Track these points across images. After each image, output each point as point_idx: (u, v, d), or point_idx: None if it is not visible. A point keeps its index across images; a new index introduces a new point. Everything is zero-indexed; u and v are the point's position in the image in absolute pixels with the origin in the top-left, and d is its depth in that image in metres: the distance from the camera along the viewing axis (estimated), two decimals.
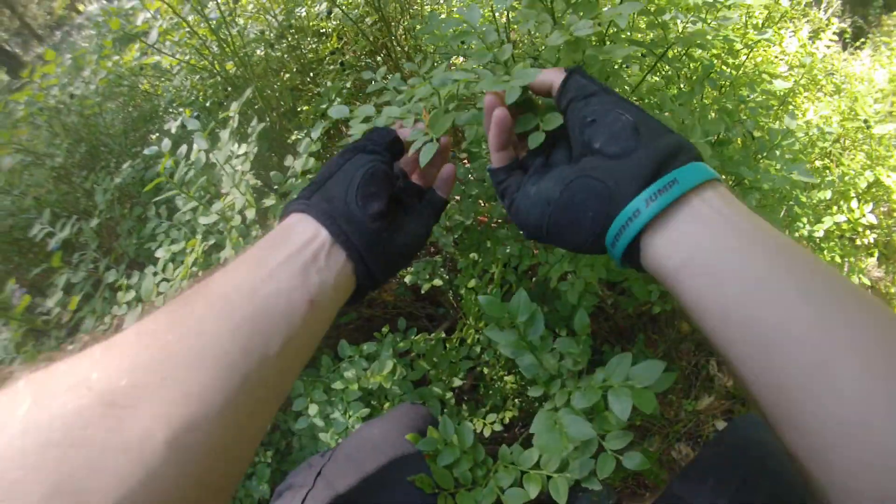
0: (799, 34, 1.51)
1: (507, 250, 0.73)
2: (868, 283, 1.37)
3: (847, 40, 2.16)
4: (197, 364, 0.27)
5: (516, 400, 0.82)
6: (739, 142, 0.84)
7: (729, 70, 0.86)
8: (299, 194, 0.41)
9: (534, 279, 0.84)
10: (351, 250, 0.37)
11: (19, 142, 1.04)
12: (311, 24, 1.17)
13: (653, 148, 0.33)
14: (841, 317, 0.26)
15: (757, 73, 0.99)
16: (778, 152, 0.85)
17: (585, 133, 0.36)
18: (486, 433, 0.76)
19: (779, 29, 1.58)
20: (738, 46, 0.88)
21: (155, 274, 0.77)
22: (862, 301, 0.26)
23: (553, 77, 0.40)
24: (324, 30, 1.18)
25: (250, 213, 0.72)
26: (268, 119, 0.99)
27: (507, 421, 0.79)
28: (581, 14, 0.54)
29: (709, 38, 0.66)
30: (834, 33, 1.83)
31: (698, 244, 0.31)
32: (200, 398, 0.26)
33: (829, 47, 1.79)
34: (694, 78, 0.76)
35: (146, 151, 0.88)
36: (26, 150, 1.00)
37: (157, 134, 1.09)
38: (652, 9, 0.64)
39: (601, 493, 1.15)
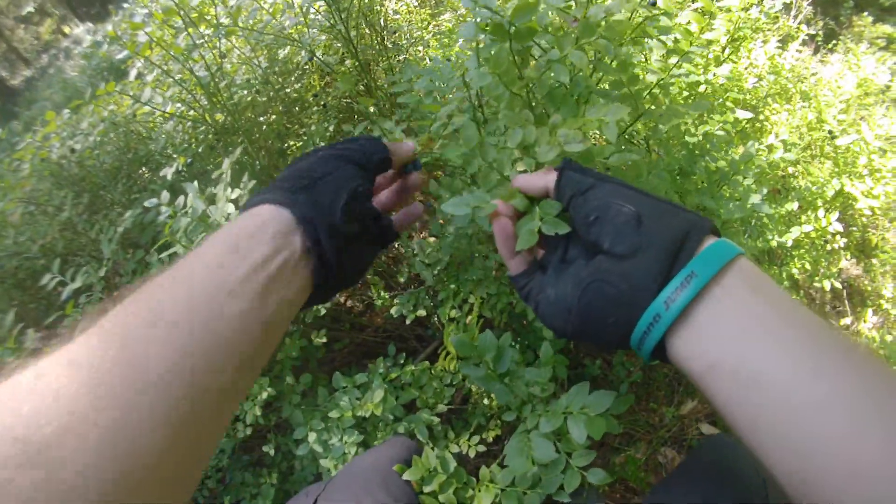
0: (766, 48, 1.59)
1: (485, 290, 0.81)
2: (839, 286, 1.45)
3: (819, 42, 2.24)
4: (137, 405, 0.25)
5: (499, 420, 0.89)
6: (703, 172, 0.91)
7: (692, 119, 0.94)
8: (278, 181, 0.38)
9: (514, 309, 0.92)
10: (321, 264, 0.36)
11: (25, 195, 1.11)
12: (292, 64, 1.24)
13: (660, 241, 0.32)
14: (876, 420, 0.25)
15: (722, 103, 1.06)
16: (740, 178, 0.93)
17: (591, 233, 0.35)
18: (472, 454, 0.84)
19: (748, 42, 1.66)
20: (701, 82, 0.95)
21: None
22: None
23: (546, 180, 0.40)
24: (304, 70, 1.26)
25: None
26: (258, 162, 1.06)
27: (490, 439, 0.86)
28: (562, 117, 0.60)
29: (679, 105, 0.72)
30: (802, 42, 1.91)
31: (722, 347, 0.29)
32: (139, 443, 0.24)
33: (797, 56, 1.87)
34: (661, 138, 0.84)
35: (147, 204, 0.95)
36: (33, 202, 1.07)
37: (155, 180, 1.16)
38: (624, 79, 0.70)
39: (589, 497, 1.22)
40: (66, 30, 7.43)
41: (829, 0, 2.53)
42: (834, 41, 2.22)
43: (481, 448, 0.84)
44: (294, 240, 0.34)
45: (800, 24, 1.93)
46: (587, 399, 0.62)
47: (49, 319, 0.96)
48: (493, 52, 0.60)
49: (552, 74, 0.61)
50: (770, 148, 0.95)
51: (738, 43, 1.27)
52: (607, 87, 0.72)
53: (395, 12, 1.35)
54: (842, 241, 1.41)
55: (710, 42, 1.01)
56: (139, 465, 0.24)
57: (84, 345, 0.26)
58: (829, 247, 1.39)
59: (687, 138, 0.91)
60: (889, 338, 1.32)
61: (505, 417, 0.71)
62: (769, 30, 1.96)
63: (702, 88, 1.10)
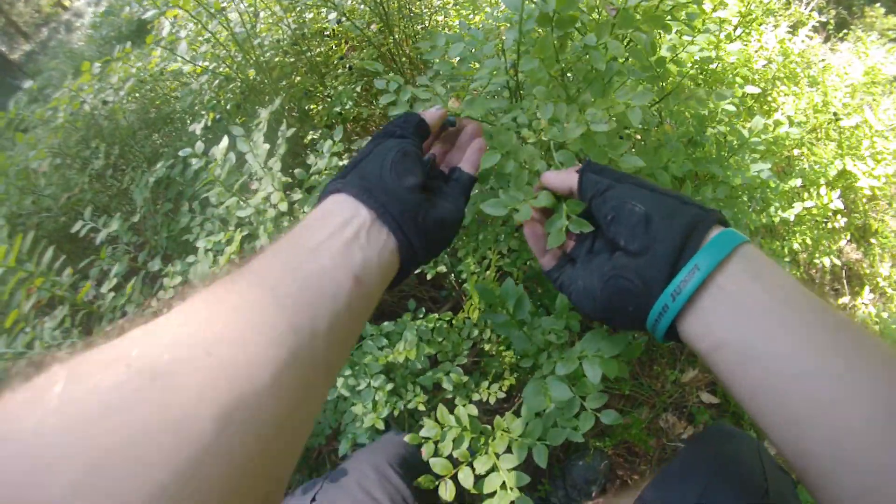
0: (777, 31, 1.64)
1: (506, 245, 0.87)
2: (839, 263, 1.52)
3: (830, 31, 2.29)
4: (242, 339, 0.26)
5: (514, 373, 0.96)
6: (713, 142, 0.97)
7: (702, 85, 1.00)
8: (334, 177, 0.42)
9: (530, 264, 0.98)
10: (391, 225, 0.38)
11: (55, 147, 1.16)
12: (318, 26, 1.29)
13: (667, 239, 0.36)
14: (864, 386, 0.28)
15: (731, 77, 1.12)
16: (746, 152, 0.99)
17: (610, 231, 0.40)
18: (491, 401, 0.90)
19: (759, 24, 1.71)
20: (713, 59, 1.00)
21: (195, 262, 0.90)
22: (886, 364, 0.29)
23: (570, 180, 0.45)
24: (328, 32, 1.31)
25: (283, 206, 0.85)
26: (284, 120, 1.11)
27: (505, 389, 0.93)
28: (594, 98, 0.65)
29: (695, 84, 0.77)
30: (813, 28, 1.97)
31: (724, 328, 0.33)
32: (248, 374, 0.25)
33: (806, 42, 1.93)
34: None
35: (181, 153, 1.00)
36: (65, 154, 1.12)
37: (181, 137, 1.21)
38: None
39: (594, 458, 1.29)
40: (66, 3, 7.37)
41: None
42: (845, 30, 2.27)
43: (501, 395, 0.90)
44: (360, 210, 0.38)
45: (811, 11, 1.98)
46: (601, 343, 0.68)
47: (82, 263, 1.01)
48: (537, 38, 0.64)
49: (587, 58, 0.65)
50: (776, 123, 1.01)
51: (749, 24, 1.33)
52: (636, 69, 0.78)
53: None
54: (842, 221, 1.48)
55: (722, 21, 1.07)
56: (249, 392, 0.25)
57: (190, 302, 0.29)
58: (829, 225, 1.46)
59: (699, 110, 0.96)
60: (885, 314, 1.39)
61: (522, 364, 0.77)
62: (781, 14, 2.01)
63: (714, 66, 1.16)
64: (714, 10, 1.03)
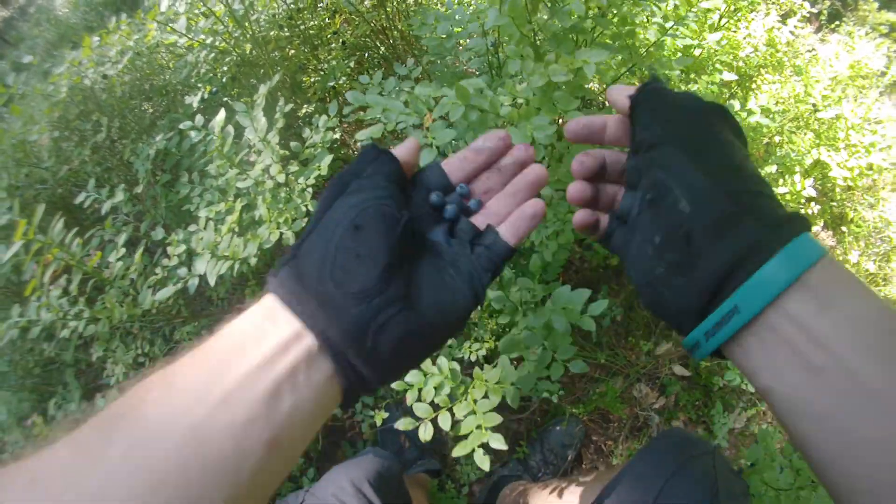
0: (766, 20, 1.72)
1: None
2: None
3: (822, 21, 2.37)
4: None
5: (495, 337, 1.06)
6: None
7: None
8: (283, 259, 0.32)
9: None
10: (336, 357, 0.29)
11: (55, 120, 1.22)
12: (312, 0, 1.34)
13: (708, 267, 0.29)
14: None
15: (711, 63, 1.20)
16: None
17: (648, 214, 0.33)
18: (473, 359, 1.00)
19: (749, 12, 1.79)
20: (694, 46, 1.08)
21: (198, 231, 0.98)
22: None
23: (622, 97, 0.37)
24: (323, 4, 1.36)
25: (280, 178, 0.93)
26: (282, 96, 1.18)
27: (484, 351, 1.03)
28: (558, 53, 0.74)
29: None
30: (805, 17, 2.04)
31: (775, 377, 0.29)
32: None
33: (794, 32, 2.00)
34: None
35: (181, 126, 1.07)
36: (64, 127, 1.18)
37: (177, 109, 1.27)
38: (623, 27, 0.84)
39: (570, 424, 1.41)
40: None
41: None
42: (837, 22, 2.35)
43: (482, 353, 1.00)
44: (303, 338, 0.29)
45: (803, 1, 2.05)
46: (569, 296, 0.78)
47: (88, 234, 1.08)
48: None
49: (556, 20, 0.75)
50: (749, 112, 1.10)
51: (736, 13, 1.40)
52: (609, 41, 0.86)
53: None
54: (816, 208, 1.58)
55: (706, 11, 1.15)
56: None
57: (51, 457, 0.24)
58: (803, 212, 1.56)
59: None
60: None
61: (499, 320, 0.87)
62: (773, 2, 2.09)
63: (697, 52, 1.24)
64: (685, 11, 1.10)
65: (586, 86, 0.77)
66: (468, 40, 0.96)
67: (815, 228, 1.82)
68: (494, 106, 0.76)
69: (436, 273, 0.33)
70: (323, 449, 1.29)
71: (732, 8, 1.37)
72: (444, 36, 0.95)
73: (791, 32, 1.77)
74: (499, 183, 0.39)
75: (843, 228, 1.76)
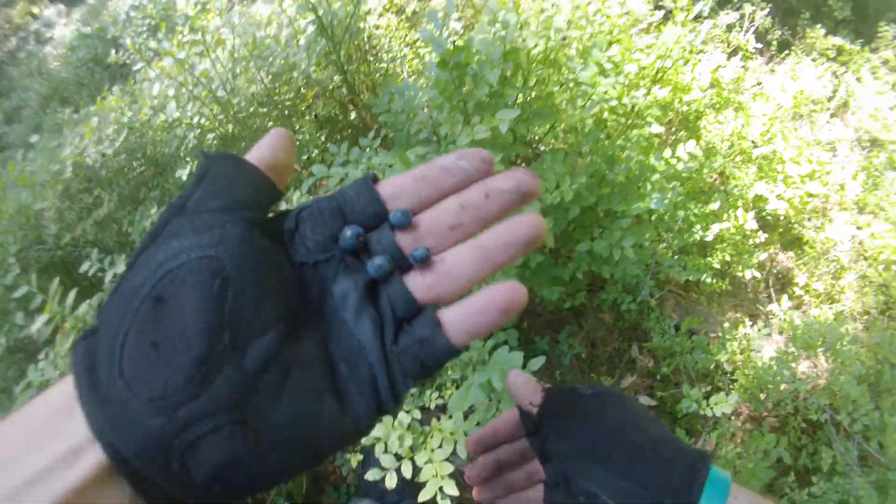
0: (712, 60, 1.92)
1: None
2: (759, 275, 1.80)
3: (773, 52, 2.59)
4: None
5: (454, 384, 1.22)
6: (621, 178, 1.24)
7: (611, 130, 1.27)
8: (84, 331, 0.23)
9: None
10: (128, 473, 0.19)
11: (59, 193, 1.41)
12: (288, 76, 1.55)
13: None
14: None
15: (641, 118, 1.39)
16: (650, 183, 1.26)
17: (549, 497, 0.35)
18: (432, 407, 1.17)
19: (695, 53, 2.00)
20: (621, 104, 1.27)
21: None
22: None
23: (525, 401, 0.38)
24: (299, 86, 1.57)
25: None
26: None
27: (446, 397, 1.19)
28: (482, 116, 0.94)
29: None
30: (748, 55, 2.26)
31: None
32: None
33: (743, 68, 2.22)
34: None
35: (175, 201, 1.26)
36: (70, 198, 1.37)
37: (168, 181, 1.46)
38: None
39: None
40: (35, 10, 7.61)
41: (789, 10, 2.88)
42: (787, 51, 2.57)
43: (440, 402, 1.16)
44: (88, 451, 0.20)
45: (748, 38, 2.27)
46: (506, 358, 0.95)
47: (94, 300, 1.26)
48: (436, 77, 0.93)
49: (476, 90, 0.95)
50: (678, 159, 1.28)
51: (668, 70, 1.59)
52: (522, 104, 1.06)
53: (377, 27, 1.65)
54: (763, 237, 1.76)
55: (627, 73, 1.34)
56: None
57: None
58: (749, 241, 1.73)
59: (608, 149, 1.23)
60: (797, 321, 1.67)
61: (450, 375, 1.04)
62: (722, 40, 2.31)
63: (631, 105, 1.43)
64: (622, 61, 1.30)
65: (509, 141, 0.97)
66: (419, 112, 1.16)
67: (772, 250, 2.00)
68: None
69: (317, 366, 0.22)
70: (307, 493, 1.44)
71: (666, 63, 1.56)
72: (399, 111, 1.15)
73: (740, 69, 1.97)
74: (467, 225, 0.24)
75: (791, 253, 1.94)
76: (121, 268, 1.23)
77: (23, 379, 1.17)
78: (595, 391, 0.37)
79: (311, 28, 1.37)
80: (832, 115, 2.51)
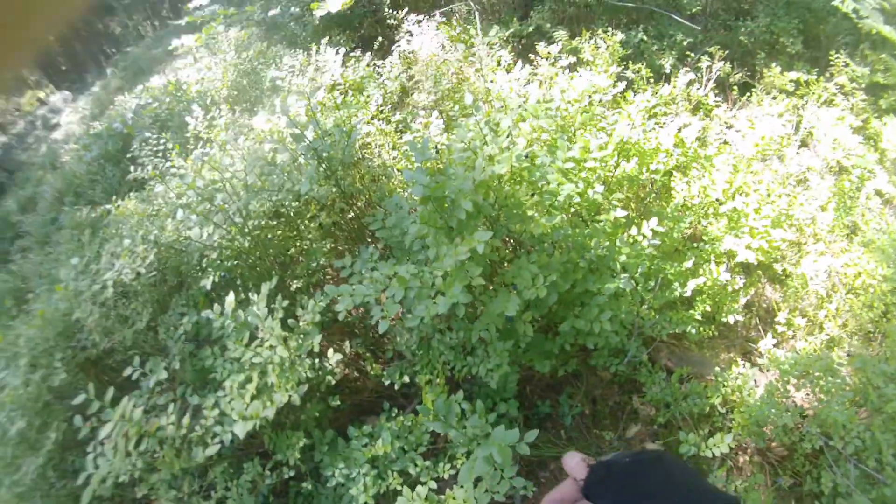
0: (676, 123, 2.13)
1: (442, 357, 1.30)
2: (741, 319, 1.95)
3: (735, 96, 2.81)
4: None
5: (464, 456, 1.37)
6: (589, 263, 1.41)
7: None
8: None
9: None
10: None
11: (101, 304, 1.60)
12: (293, 193, 1.76)
13: None
14: None
15: (608, 201, 1.58)
16: (618, 264, 1.44)
17: None
18: (446, 476, 1.32)
19: (660, 120, 2.21)
20: (583, 199, 1.46)
21: (225, 397, 1.33)
22: None
23: (578, 473, 0.52)
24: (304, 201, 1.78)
25: (284, 354, 1.28)
26: (274, 273, 1.57)
27: (457, 466, 1.34)
28: (462, 236, 1.13)
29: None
30: (708, 109, 2.48)
31: None
32: None
33: (707, 118, 2.43)
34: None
35: (204, 314, 1.45)
36: (108, 309, 1.56)
37: (195, 287, 1.65)
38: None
39: None
40: (41, 95, 8.06)
41: (746, 52, 3.12)
42: (749, 93, 2.79)
43: (452, 471, 1.31)
44: None
45: (707, 92, 2.49)
46: (503, 435, 1.11)
47: (139, 401, 1.43)
48: (420, 211, 1.12)
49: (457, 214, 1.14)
50: (644, 236, 1.46)
51: (632, 143, 1.79)
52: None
53: (367, 135, 1.88)
54: (740, 282, 1.92)
55: (590, 169, 1.53)
56: None
57: None
58: (728, 288, 1.89)
59: (577, 237, 1.42)
60: (780, 353, 1.81)
61: (458, 451, 1.19)
62: (684, 99, 2.53)
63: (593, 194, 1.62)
64: (583, 158, 1.50)
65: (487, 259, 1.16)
66: (410, 229, 1.34)
67: (756, 290, 2.15)
68: (426, 283, 1.13)
69: None
70: None
71: (633, 136, 1.76)
72: (392, 226, 1.35)
73: (702, 125, 2.16)
74: None
75: (779, 287, 2.09)
76: (163, 375, 1.41)
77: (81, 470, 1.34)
78: (632, 458, 0.53)
79: (305, 146, 1.58)
80: (800, 146, 2.70)
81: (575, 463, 0.56)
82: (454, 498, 1.14)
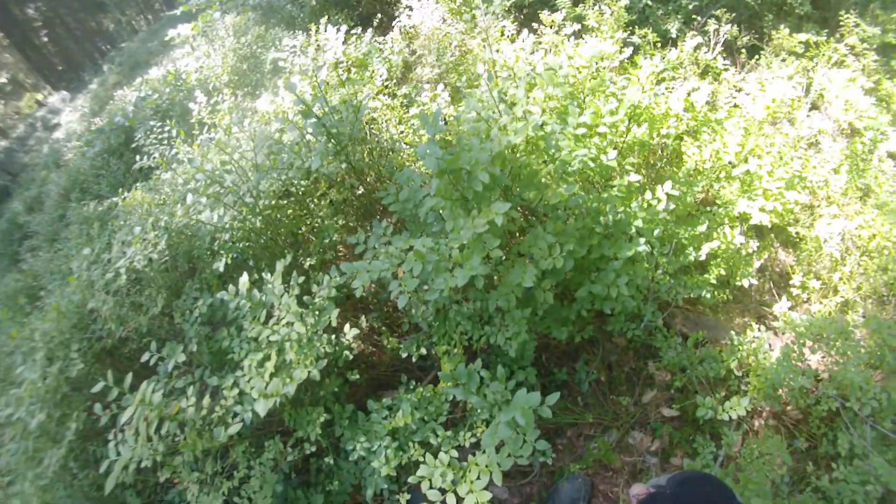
0: (685, 87, 2.10)
1: (459, 327, 1.31)
2: (756, 283, 1.94)
3: (744, 59, 2.77)
4: None
5: (484, 423, 1.39)
6: (605, 227, 1.41)
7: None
8: None
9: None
10: None
11: (115, 292, 1.62)
12: (302, 171, 1.76)
13: None
14: None
15: (621, 167, 1.57)
16: (634, 228, 1.43)
17: None
18: (467, 444, 1.33)
19: (669, 85, 2.18)
20: (596, 163, 1.45)
21: (244, 376, 1.34)
22: None
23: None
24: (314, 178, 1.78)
25: (302, 330, 1.29)
26: (287, 252, 1.58)
27: (478, 434, 1.36)
28: (480, 210, 1.12)
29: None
30: (715, 73, 2.44)
31: None
32: None
33: (717, 82, 2.39)
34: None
35: (218, 296, 1.46)
36: (121, 296, 1.58)
37: (209, 270, 1.67)
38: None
39: (575, 479, 1.70)
40: (39, 97, 8.08)
41: (754, 14, 3.06)
42: (757, 56, 2.74)
43: (473, 440, 1.33)
44: None
45: (716, 56, 2.45)
46: (525, 398, 1.12)
47: (158, 384, 1.45)
48: (436, 184, 1.12)
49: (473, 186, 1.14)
50: (657, 200, 1.45)
51: (638, 117, 1.77)
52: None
53: (374, 110, 1.87)
54: (754, 245, 1.91)
55: (600, 134, 1.52)
56: None
57: None
58: (742, 252, 1.88)
59: (592, 203, 1.41)
60: (795, 316, 1.81)
61: (480, 416, 1.21)
62: (692, 62, 2.49)
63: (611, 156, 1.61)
64: (595, 124, 1.48)
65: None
66: (424, 202, 1.34)
67: (769, 254, 2.14)
68: (443, 256, 1.13)
69: None
70: None
71: (643, 100, 1.74)
72: (406, 199, 1.34)
73: (711, 88, 2.13)
74: None
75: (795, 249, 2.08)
76: (182, 358, 1.42)
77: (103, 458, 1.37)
78: (674, 489, 0.67)
79: (313, 122, 1.58)
80: (811, 108, 2.66)
81: (634, 494, 0.72)
82: (476, 464, 1.16)
